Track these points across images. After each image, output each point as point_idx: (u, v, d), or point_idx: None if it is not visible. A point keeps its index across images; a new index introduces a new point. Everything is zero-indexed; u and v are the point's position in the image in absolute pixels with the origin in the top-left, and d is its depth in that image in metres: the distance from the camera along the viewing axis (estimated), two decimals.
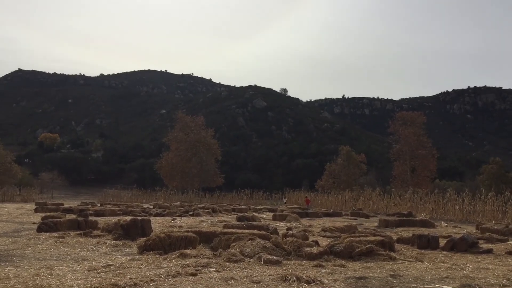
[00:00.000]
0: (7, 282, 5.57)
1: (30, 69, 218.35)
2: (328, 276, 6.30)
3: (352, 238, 8.59)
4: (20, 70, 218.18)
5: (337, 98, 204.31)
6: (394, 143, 54.64)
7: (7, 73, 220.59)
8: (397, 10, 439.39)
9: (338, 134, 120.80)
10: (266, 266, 6.82)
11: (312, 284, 5.69)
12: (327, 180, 53.21)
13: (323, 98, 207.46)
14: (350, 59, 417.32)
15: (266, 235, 9.24)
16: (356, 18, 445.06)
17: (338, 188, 46.68)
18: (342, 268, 6.91)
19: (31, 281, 5.63)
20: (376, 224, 17.53)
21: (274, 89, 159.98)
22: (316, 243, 8.97)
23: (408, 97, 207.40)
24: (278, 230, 11.86)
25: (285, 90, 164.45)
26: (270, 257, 7.21)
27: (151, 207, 28.47)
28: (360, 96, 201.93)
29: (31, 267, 6.75)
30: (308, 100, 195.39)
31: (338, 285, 5.76)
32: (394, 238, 10.21)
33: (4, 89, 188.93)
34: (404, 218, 19.14)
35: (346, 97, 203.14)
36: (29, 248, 8.90)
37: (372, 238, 8.94)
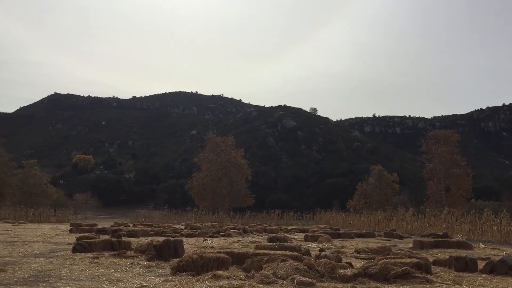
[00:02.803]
0: None
1: (66, 93, 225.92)
2: None
3: (387, 260, 8.41)
4: (56, 94, 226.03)
5: (367, 117, 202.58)
6: (427, 162, 53.61)
7: (44, 96, 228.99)
8: (428, 27, 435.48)
9: (369, 153, 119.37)
10: None
11: None
12: (358, 200, 52.45)
13: (353, 117, 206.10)
14: (381, 77, 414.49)
15: (299, 256, 9.14)
16: (386, 36, 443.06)
17: (370, 208, 45.89)
18: None
19: None
20: (410, 245, 17.11)
21: (303, 108, 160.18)
22: (350, 264, 8.81)
23: (440, 115, 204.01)
24: (310, 251, 11.73)
25: (314, 110, 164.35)
26: (303, 279, 7.12)
27: (183, 227, 28.61)
28: (391, 115, 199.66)
29: (67, 287, 6.87)
30: (338, 119, 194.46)
31: None
32: (430, 260, 9.94)
33: (40, 113, 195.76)
34: (440, 239, 18.61)
35: (377, 116, 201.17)
36: (65, 269, 9.06)
37: (408, 260, 8.73)
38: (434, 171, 48.87)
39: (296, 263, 7.95)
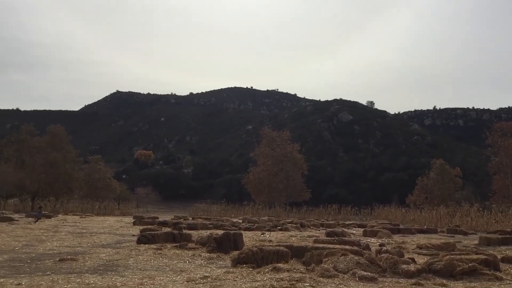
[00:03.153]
0: None
1: (127, 91, 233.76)
2: None
3: (452, 256, 8.13)
4: (118, 92, 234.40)
5: (427, 110, 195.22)
6: (493, 155, 51.18)
7: (106, 94, 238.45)
8: (491, 13, 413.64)
9: (429, 146, 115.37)
10: (361, 283, 6.67)
11: None
12: (419, 195, 50.90)
13: (412, 110, 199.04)
14: (441, 68, 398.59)
15: (359, 251, 9.03)
16: (445, 24, 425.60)
17: (432, 204, 44.43)
18: None
19: None
20: (476, 242, 16.43)
21: (360, 102, 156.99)
22: (413, 260, 8.61)
23: (507, 106, 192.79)
24: (370, 246, 11.55)
25: (371, 103, 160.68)
26: (365, 273, 7.03)
27: (240, 221, 29.00)
28: (453, 107, 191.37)
29: (135, 276, 7.16)
30: (397, 113, 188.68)
31: None
32: (499, 257, 9.51)
33: (103, 110, 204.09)
34: (508, 236, 17.75)
35: (438, 108, 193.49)
36: (131, 259, 9.45)
37: (475, 256, 8.40)
38: (500, 165, 46.54)
39: (357, 257, 7.86)
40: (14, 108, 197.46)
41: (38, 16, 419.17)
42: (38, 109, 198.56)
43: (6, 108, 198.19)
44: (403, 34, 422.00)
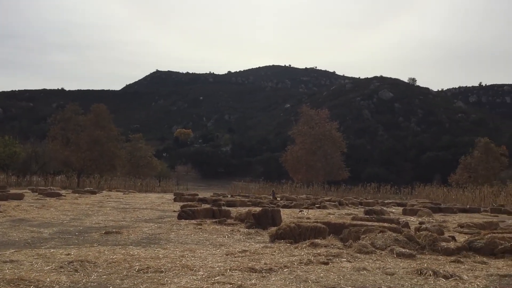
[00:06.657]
0: (158, 261, 6.20)
1: (166, 70, 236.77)
2: (467, 272, 5.96)
3: (494, 235, 7.98)
4: (157, 71, 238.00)
5: (472, 86, 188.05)
6: None
7: (146, 74, 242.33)
8: None
9: (474, 125, 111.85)
10: (399, 259, 6.67)
11: (450, 279, 5.44)
12: (462, 174, 49.64)
13: (457, 86, 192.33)
14: (486, 42, 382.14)
15: (397, 228, 8.98)
16: None
17: (475, 183, 43.29)
18: (483, 265, 6.48)
19: (178, 261, 6.20)
20: None
21: (401, 79, 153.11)
22: (453, 238, 8.51)
23: None
24: (410, 225, 11.46)
25: (413, 80, 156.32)
26: (403, 250, 7.02)
27: (279, 199, 29.21)
28: (500, 83, 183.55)
29: (176, 249, 7.42)
30: (440, 90, 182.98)
31: (479, 282, 5.42)
32: None
33: (144, 89, 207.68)
34: None
35: (484, 85, 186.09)
36: (173, 233, 9.76)
37: None
38: None
39: (395, 235, 7.84)
40: (59, 88, 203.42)
41: None
42: (82, 88, 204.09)
43: (52, 88, 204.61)
44: (449, 8, 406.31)
